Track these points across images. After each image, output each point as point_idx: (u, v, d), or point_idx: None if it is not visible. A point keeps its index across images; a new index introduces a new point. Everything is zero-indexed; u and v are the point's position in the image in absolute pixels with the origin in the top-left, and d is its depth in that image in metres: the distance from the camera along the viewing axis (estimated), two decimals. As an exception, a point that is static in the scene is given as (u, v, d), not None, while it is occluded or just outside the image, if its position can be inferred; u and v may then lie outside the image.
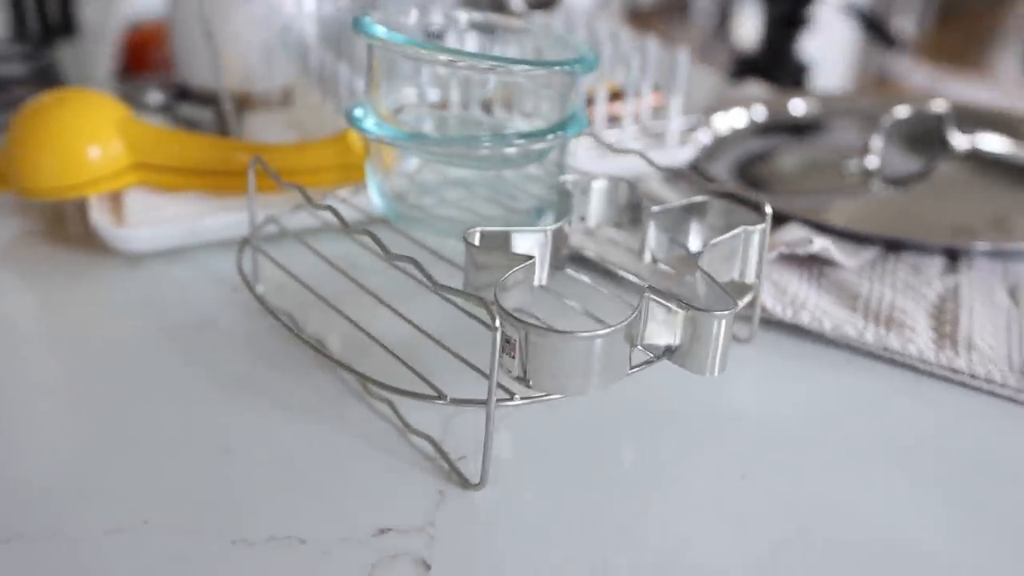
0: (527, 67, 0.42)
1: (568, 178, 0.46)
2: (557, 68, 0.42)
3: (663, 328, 0.35)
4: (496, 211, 0.48)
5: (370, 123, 0.44)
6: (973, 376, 0.43)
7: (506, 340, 0.33)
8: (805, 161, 0.72)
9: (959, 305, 0.49)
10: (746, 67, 1.38)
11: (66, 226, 0.57)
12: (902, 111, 0.67)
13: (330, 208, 0.40)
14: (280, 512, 0.35)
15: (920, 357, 0.44)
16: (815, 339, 0.47)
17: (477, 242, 0.39)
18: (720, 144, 0.70)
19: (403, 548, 0.33)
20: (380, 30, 0.42)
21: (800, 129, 0.77)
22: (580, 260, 0.51)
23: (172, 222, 0.52)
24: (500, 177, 0.50)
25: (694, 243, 0.45)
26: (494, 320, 0.33)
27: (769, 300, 0.47)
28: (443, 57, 0.41)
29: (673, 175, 0.64)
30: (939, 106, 0.68)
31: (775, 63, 1.39)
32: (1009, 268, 0.53)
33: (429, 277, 0.35)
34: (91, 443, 0.39)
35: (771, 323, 0.48)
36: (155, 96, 0.71)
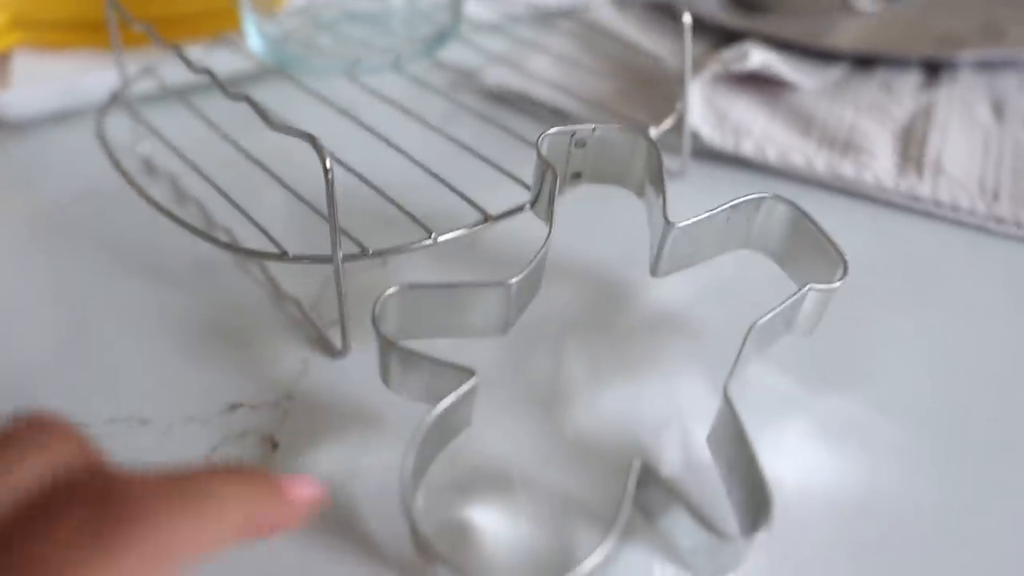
0: None
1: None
2: None
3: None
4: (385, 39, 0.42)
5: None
6: (937, 204, 0.38)
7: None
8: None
9: (931, 124, 0.42)
10: None
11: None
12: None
13: (207, 72, 0.34)
14: (127, 394, 0.31)
15: (877, 185, 0.39)
16: (763, 171, 0.41)
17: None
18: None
19: (253, 425, 0.29)
20: None
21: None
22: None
23: (49, 82, 0.47)
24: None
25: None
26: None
27: (706, 128, 0.42)
28: None
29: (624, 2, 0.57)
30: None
31: None
32: (996, 81, 0.46)
33: (263, 119, 0.30)
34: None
35: (710, 155, 0.42)
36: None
